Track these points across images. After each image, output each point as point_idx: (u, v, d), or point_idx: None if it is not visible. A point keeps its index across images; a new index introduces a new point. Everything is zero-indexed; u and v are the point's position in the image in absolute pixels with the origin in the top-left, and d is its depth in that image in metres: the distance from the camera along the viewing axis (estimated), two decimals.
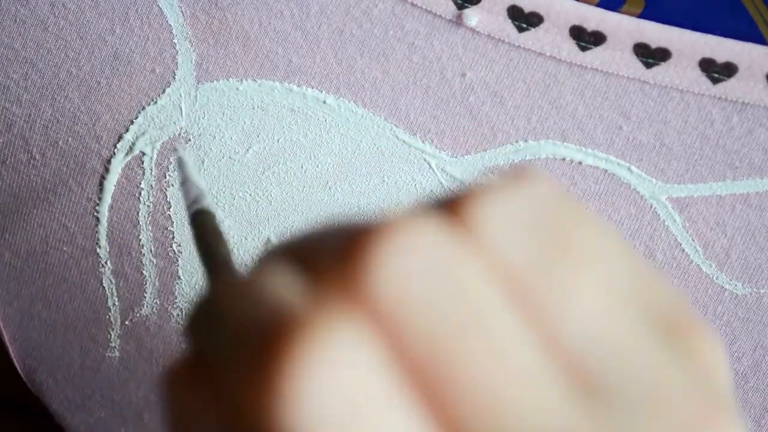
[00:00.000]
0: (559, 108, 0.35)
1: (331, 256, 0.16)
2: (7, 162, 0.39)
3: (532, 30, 0.34)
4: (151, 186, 0.38)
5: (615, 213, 0.36)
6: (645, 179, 0.35)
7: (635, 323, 0.16)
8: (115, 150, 0.38)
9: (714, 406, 0.16)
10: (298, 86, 0.36)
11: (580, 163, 0.35)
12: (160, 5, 0.35)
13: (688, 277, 0.36)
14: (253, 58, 0.36)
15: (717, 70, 0.33)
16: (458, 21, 0.34)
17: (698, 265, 0.36)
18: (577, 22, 0.33)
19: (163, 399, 0.17)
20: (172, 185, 0.38)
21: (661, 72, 0.33)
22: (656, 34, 0.33)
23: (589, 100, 0.34)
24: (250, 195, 0.38)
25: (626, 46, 0.33)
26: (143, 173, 0.38)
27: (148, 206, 0.38)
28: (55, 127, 0.38)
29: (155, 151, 0.37)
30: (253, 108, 0.36)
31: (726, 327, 0.37)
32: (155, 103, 0.37)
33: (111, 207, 0.39)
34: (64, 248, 0.40)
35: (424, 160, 0.36)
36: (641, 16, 0.34)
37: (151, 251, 0.39)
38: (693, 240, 0.36)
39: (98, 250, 0.40)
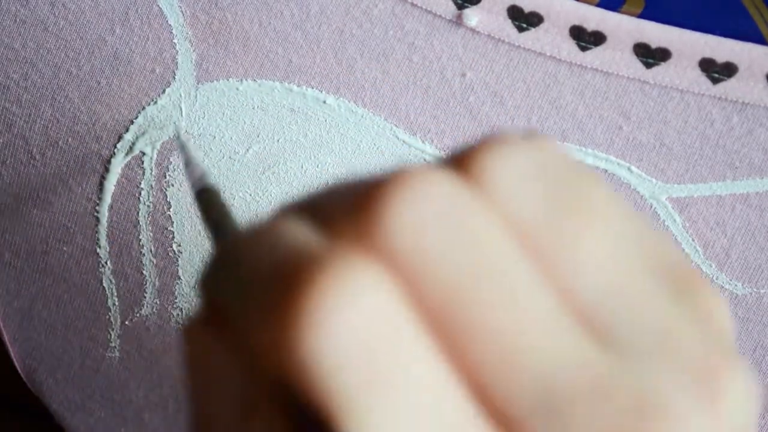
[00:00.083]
0: (559, 108, 0.35)
1: (344, 209, 0.16)
2: (7, 162, 0.39)
3: (532, 30, 0.34)
4: (151, 186, 0.38)
5: None
6: (645, 179, 0.35)
7: (645, 277, 0.16)
8: (115, 150, 0.38)
9: (723, 356, 0.16)
10: (298, 86, 0.36)
11: None
12: (160, 5, 0.35)
13: None
14: (253, 58, 0.36)
15: (717, 70, 0.33)
16: (458, 21, 0.34)
17: (698, 265, 0.36)
18: (577, 22, 0.33)
19: (182, 350, 0.17)
20: (172, 185, 0.38)
21: (661, 72, 0.33)
22: (656, 34, 0.33)
23: (589, 100, 0.34)
24: (250, 195, 0.38)
25: (626, 46, 0.33)
26: (143, 173, 0.38)
27: (148, 206, 0.38)
28: (55, 127, 0.38)
29: (155, 151, 0.37)
30: (253, 108, 0.36)
31: None
32: (155, 103, 0.37)
33: (111, 207, 0.39)
34: (64, 248, 0.40)
35: (424, 160, 0.36)
36: (641, 16, 0.34)
37: (151, 251, 0.39)
38: (693, 240, 0.36)
39: (98, 250, 0.40)
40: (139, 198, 0.38)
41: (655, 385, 0.15)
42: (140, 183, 0.38)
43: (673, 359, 0.16)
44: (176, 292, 0.40)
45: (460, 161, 0.16)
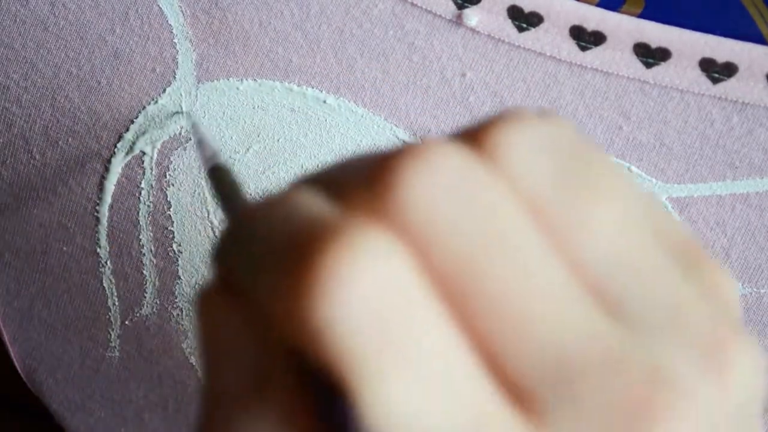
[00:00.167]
0: (559, 108, 0.35)
1: (358, 181, 0.16)
2: (7, 162, 0.39)
3: (532, 30, 0.34)
4: (152, 186, 0.38)
5: None
6: (645, 179, 0.35)
7: (655, 252, 0.17)
8: (116, 150, 0.38)
9: (731, 331, 0.16)
10: (298, 86, 0.36)
11: None
12: (160, 5, 0.35)
13: None
14: (253, 57, 0.36)
15: (717, 70, 0.33)
16: (458, 21, 0.34)
17: None
18: (577, 22, 0.33)
19: (196, 323, 0.17)
20: (173, 185, 0.38)
21: (661, 72, 0.33)
22: (656, 34, 0.33)
23: (589, 100, 0.34)
24: (250, 195, 0.38)
25: (626, 46, 0.33)
26: (143, 173, 0.38)
27: (148, 206, 0.38)
28: (55, 127, 0.38)
29: (155, 151, 0.37)
30: (254, 108, 0.36)
31: None
32: (156, 102, 0.37)
33: (111, 207, 0.39)
34: (64, 248, 0.40)
35: None
36: (641, 16, 0.34)
37: (151, 251, 0.39)
38: None
39: (98, 250, 0.40)
40: (139, 198, 0.38)
41: (665, 358, 0.15)
42: (140, 183, 0.38)
43: (682, 333, 0.16)
44: (176, 292, 0.40)
45: (473, 136, 0.16)
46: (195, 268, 0.39)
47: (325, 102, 0.36)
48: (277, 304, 0.15)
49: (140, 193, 0.38)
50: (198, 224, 0.39)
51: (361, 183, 0.16)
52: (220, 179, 0.26)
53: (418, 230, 0.15)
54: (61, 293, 0.41)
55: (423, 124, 0.36)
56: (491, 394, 0.15)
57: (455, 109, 0.35)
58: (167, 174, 0.38)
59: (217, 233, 0.39)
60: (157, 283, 0.40)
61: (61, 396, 0.44)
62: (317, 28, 0.35)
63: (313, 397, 0.15)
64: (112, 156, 0.38)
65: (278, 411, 0.15)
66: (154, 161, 0.38)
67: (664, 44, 0.33)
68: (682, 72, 0.33)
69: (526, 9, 0.34)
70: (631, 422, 0.15)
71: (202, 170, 0.27)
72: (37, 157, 0.38)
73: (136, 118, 0.37)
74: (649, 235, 0.17)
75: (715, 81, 0.33)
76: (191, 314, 0.40)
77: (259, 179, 0.37)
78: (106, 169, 0.38)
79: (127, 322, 0.41)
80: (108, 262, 0.40)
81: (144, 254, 0.39)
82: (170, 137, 0.37)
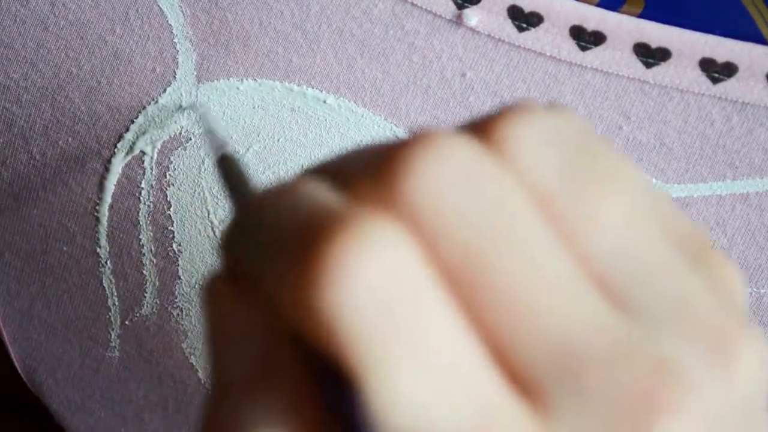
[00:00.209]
0: None
1: (366, 171, 0.16)
2: (7, 162, 0.39)
3: (532, 30, 0.34)
4: (152, 186, 0.38)
5: None
6: None
7: (662, 245, 0.17)
8: (116, 149, 0.38)
9: (737, 324, 0.16)
10: (298, 86, 0.36)
11: None
12: (161, 5, 0.35)
13: None
14: (253, 57, 0.36)
15: (717, 70, 0.33)
16: (458, 21, 0.34)
17: None
18: (577, 22, 0.33)
19: (203, 310, 0.17)
20: (172, 185, 0.38)
21: (661, 72, 0.33)
22: (656, 34, 0.33)
23: (589, 100, 0.34)
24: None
25: (626, 46, 0.33)
26: (143, 173, 0.38)
27: (148, 206, 0.38)
28: (55, 127, 0.38)
29: (156, 151, 0.37)
30: (254, 107, 0.36)
31: None
32: (156, 102, 0.37)
33: (111, 207, 0.39)
34: (64, 248, 0.40)
35: None
36: (641, 16, 0.34)
37: (151, 251, 0.39)
38: None
39: (98, 250, 0.40)
40: (139, 198, 0.38)
41: (671, 351, 0.15)
42: (140, 183, 0.38)
43: (689, 326, 0.16)
44: (176, 292, 0.40)
45: (482, 128, 0.16)
46: (195, 268, 0.39)
47: (325, 102, 0.36)
48: (284, 294, 0.15)
49: (140, 193, 0.38)
50: (198, 224, 0.39)
51: (368, 173, 0.16)
52: (229, 169, 0.27)
53: (425, 221, 0.15)
54: (61, 293, 0.41)
55: (423, 124, 0.36)
56: (498, 386, 0.15)
57: (455, 109, 0.35)
58: (167, 174, 0.38)
59: (217, 233, 0.39)
60: (157, 283, 0.40)
61: (61, 396, 0.44)
62: (317, 28, 0.35)
63: (320, 387, 0.15)
64: (112, 156, 0.38)
65: (285, 401, 0.15)
66: (154, 161, 0.38)
67: (664, 44, 0.33)
68: (682, 72, 0.33)
69: (526, 9, 0.34)
70: (637, 414, 0.15)
71: (211, 160, 0.27)
72: (37, 157, 0.38)
73: (137, 118, 0.37)
74: (656, 228, 0.17)
75: (715, 81, 0.33)
76: (191, 314, 0.40)
77: (259, 179, 0.37)
78: (106, 169, 0.38)
79: (127, 322, 0.41)
80: (108, 262, 0.40)
81: (144, 254, 0.39)
82: (170, 137, 0.37)
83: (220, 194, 0.38)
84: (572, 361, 0.15)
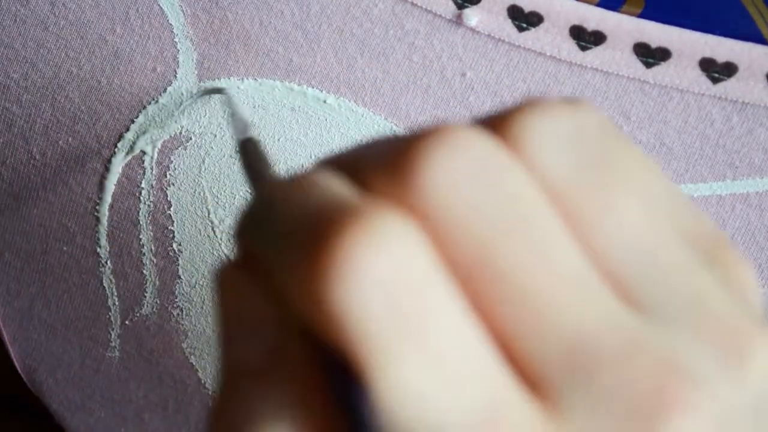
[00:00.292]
0: None
1: (380, 164, 0.16)
2: (7, 162, 0.39)
3: (532, 30, 0.34)
4: (152, 185, 0.38)
5: None
6: None
7: (677, 242, 0.16)
8: (116, 149, 0.38)
9: (752, 323, 0.16)
10: (298, 85, 0.36)
11: None
12: (161, 4, 0.35)
13: None
14: (253, 57, 0.36)
15: (717, 70, 0.33)
16: (458, 21, 0.34)
17: None
18: (577, 22, 0.33)
19: (215, 294, 0.17)
20: (173, 184, 0.38)
21: (661, 72, 0.33)
22: (656, 33, 0.33)
23: (589, 100, 0.34)
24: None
25: (626, 46, 0.33)
26: (144, 172, 0.38)
27: (149, 206, 0.38)
28: (55, 126, 0.38)
29: (156, 150, 0.37)
30: (254, 107, 0.36)
31: None
32: (156, 102, 0.37)
33: (111, 207, 0.39)
34: (64, 248, 0.40)
35: None
36: (641, 15, 0.34)
37: (151, 251, 0.39)
38: None
39: (98, 250, 0.40)
40: (139, 197, 0.38)
41: (683, 349, 0.15)
42: (141, 182, 0.38)
43: (702, 325, 0.16)
44: (176, 292, 0.40)
45: (497, 123, 0.16)
46: (195, 267, 0.39)
47: (325, 101, 0.36)
48: (294, 285, 0.15)
49: (140, 193, 0.38)
50: (198, 224, 0.39)
51: (382, 166, 0.16)
52: (251, 153, 0.27)
53: (438, 216, 0.15)
54: (61, 293, 0.41)
55: (423, 124, 0.36)
56: (507, 381, 0.15)
57: (455, 109, 0.35)
58: (167, 174, 0.38)
59: (217, 233, 0.39)
60: (157, 282, 0.40)
61: (61, 396, 0.44)
62: (317, 28, 0.35)
63: (328, 380, 0.15)
64: (112, 155, 0.38)
65: (294, 393, 0.15)
66: (154, 161, 0.38)
67: (664, 44, 0.33)
68: (682, 72, 0.33)
69: (526, 9, 0.34)
70: (646, 413, 0.15)
71: (234, 143, 0.27)
72: (37, 156, 0.38)
73: (137, 117, 0.37)
74: (672, 224, 0.17)
75: (715, 81, 0.33)
76: (191, 314, 0.40)
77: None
78: (107, 169, 0.38)
79: (127, 322, 0.41)
80: (108, 262, 0.40)
81: (144, 254, 0.39)
82: (171, 137, 0.37)
83: (221, 194, 0.38)
84: (584, 358, 0.15)
